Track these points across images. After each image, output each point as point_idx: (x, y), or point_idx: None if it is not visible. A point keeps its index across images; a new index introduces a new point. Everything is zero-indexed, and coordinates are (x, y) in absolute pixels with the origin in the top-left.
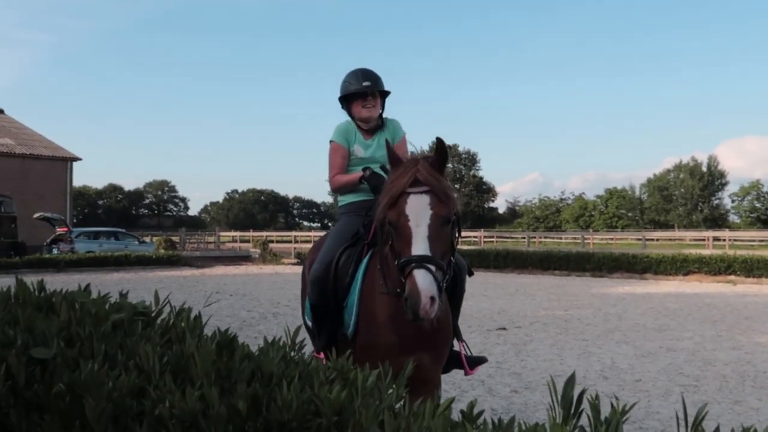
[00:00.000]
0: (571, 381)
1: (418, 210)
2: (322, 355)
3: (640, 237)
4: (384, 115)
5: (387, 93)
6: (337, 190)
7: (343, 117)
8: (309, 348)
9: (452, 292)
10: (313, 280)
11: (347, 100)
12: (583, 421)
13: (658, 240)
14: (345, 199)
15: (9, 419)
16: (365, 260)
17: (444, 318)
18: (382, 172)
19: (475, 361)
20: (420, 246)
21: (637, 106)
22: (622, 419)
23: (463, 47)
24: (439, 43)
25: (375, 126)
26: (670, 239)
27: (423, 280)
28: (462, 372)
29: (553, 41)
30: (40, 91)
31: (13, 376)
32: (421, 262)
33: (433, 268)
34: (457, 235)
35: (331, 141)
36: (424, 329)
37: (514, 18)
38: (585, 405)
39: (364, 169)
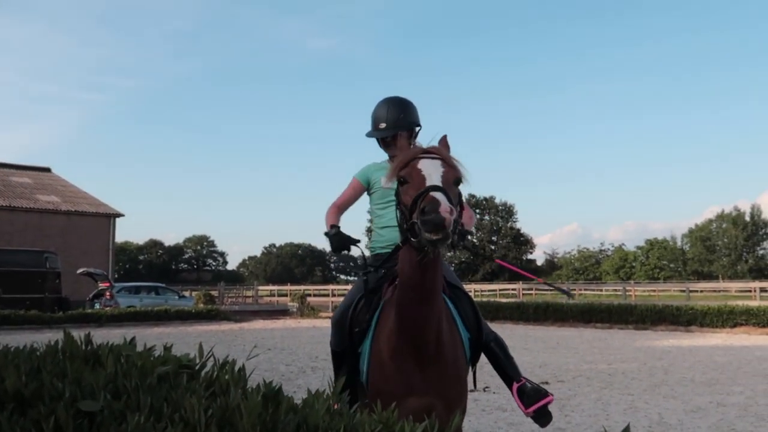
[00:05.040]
0: None
1: (431, 168)
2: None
3: (684, 288)
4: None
5: (414, 127)
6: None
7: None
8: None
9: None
10: (333, 324)
11: None
12: None
13: (702, 291)
14: (374, 249)
15: None
16: (381, 305)
17: (454, 364)
18: (348, 235)
19: (534, 396)
20: (434, 181)
21: (676, 154)
22: None
23: (497, 97)
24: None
25: None
26: (715, 290)
27: (440, 196)
28: (511, 421)
29: (585, 87)
30: (84, 150)
31: (62, 429)
32: (437, 189)
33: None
34: (459, 208)
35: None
36: (432, 374)
37: (551, 62)
38: None
39: (332, 226)
